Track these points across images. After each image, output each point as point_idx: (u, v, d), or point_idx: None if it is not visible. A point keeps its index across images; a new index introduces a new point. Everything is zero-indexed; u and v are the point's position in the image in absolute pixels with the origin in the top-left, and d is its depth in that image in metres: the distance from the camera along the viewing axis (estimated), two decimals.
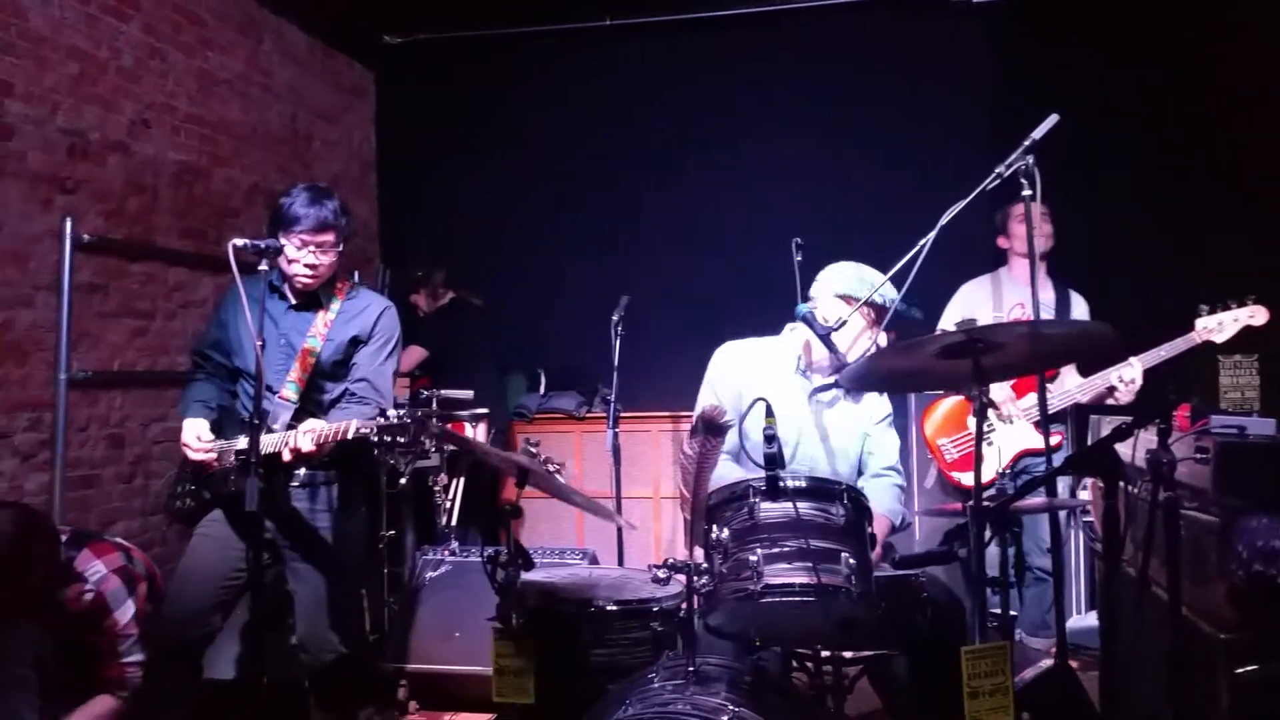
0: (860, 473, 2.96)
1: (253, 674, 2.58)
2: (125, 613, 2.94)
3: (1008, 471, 3.77)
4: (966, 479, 3.86)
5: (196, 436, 2.90)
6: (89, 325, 3.99)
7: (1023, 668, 2.69)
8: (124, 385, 4.17)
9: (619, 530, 4.21)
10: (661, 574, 2.30)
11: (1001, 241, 4.12)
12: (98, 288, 4.04)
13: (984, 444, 3.78)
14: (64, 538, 2.95)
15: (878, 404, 2.98)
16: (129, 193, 4.19)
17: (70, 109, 3.88)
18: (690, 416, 5.31)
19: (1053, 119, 2.58)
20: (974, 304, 4.03)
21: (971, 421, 3.79)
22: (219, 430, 2.96)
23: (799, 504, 2.16)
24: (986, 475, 3.75)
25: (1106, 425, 3.01)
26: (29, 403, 3.71)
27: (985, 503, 2.06)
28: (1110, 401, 3.70)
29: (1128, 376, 3.57)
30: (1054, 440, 3.77)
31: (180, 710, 2.95)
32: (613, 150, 5.71)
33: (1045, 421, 2.77)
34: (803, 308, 2.83)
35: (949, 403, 4.00)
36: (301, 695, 3.10)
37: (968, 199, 2.72)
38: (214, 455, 2.90)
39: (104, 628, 2.91)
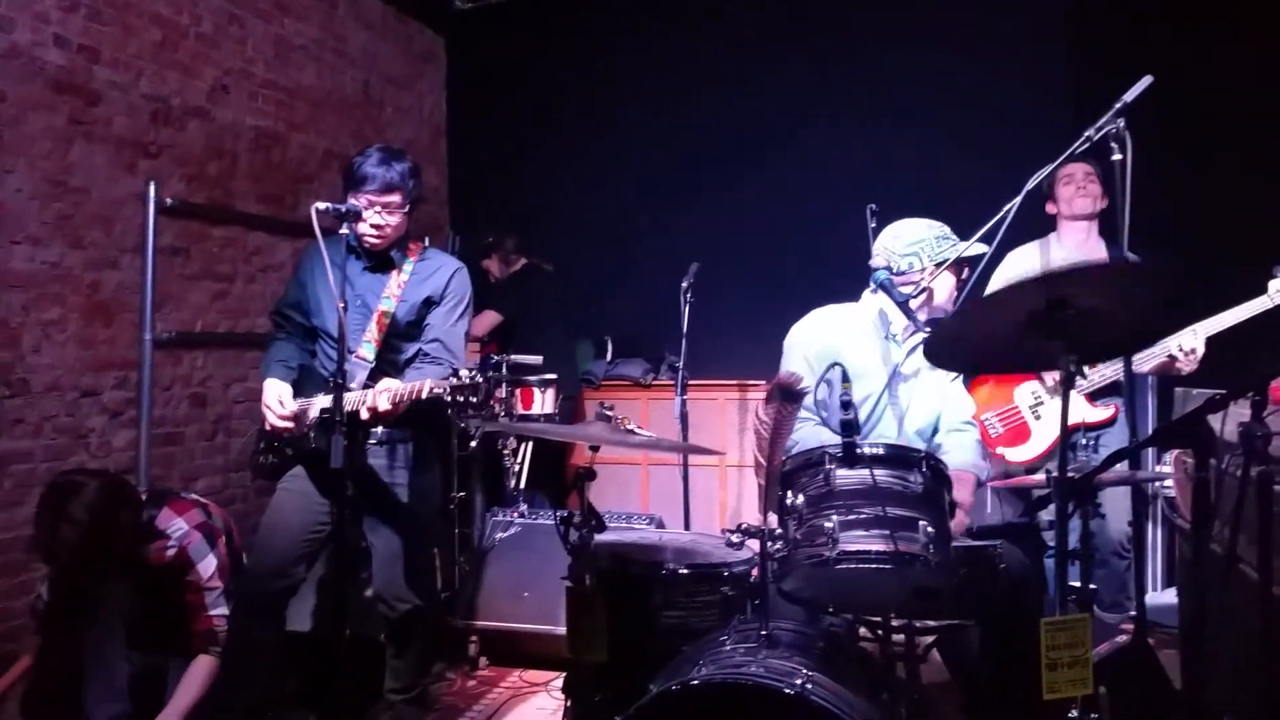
0: (935, 430, 2.94)
1: (336, 627, 2.65)
2: (208, 566, 3.05)
3: (1088, 442, 3.68)
4: (1011, 454, 3.77)
5: (279, 400, 2.95)
6: (172, 287, 4.09)
7: (1097, 643, 2.65)
8: (206, 346, 4.29)
9: (685, 496, 4.23)
10: (735, 539, 2.30)
11: (1050, 208, 3.99)
12: (180, 251, 4.14)
13: (1033, 417, 3.76)
14: (143, 497, 3.06)
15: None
16: (209, 158, 4.28)
17: (153, 75, 3.96)
18: (759, 385, 5.30)
19: (1146, 81, 2.50)
20: (1021, 270, 3.93)
21: (1018, 394, 3.81)
22: (298, 389, 3.02)
23: (876, 471, 2.14)
24: (1038, 450, 3.71)
25: (1195, 398, 2.93)
26: (116, 362, 3.83)
27: (1070, 474, 2.02)
28: (1172, 374, 3.57)
29: (1188, 346, 3.39)
30: (1106, 414, 3.68)
31: (265, 660, 3.05)
32: (684, 115, 5.66)
33: (1130, 394, 2.70)
34: (881, 274, 2.80)
35: (994, 379, 3.92)
36: (378, 647, 3.19)
37: (1055, 163, 2.66)
38: (292, 424, 2.95)
39: (189, 583, 3.02)
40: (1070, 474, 2.01)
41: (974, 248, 2.76)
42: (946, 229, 2.87)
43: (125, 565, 2.95)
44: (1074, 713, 2.11)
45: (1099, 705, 2.28)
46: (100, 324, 3.76)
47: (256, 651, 3.00)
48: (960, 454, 2.80)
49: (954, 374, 2.94)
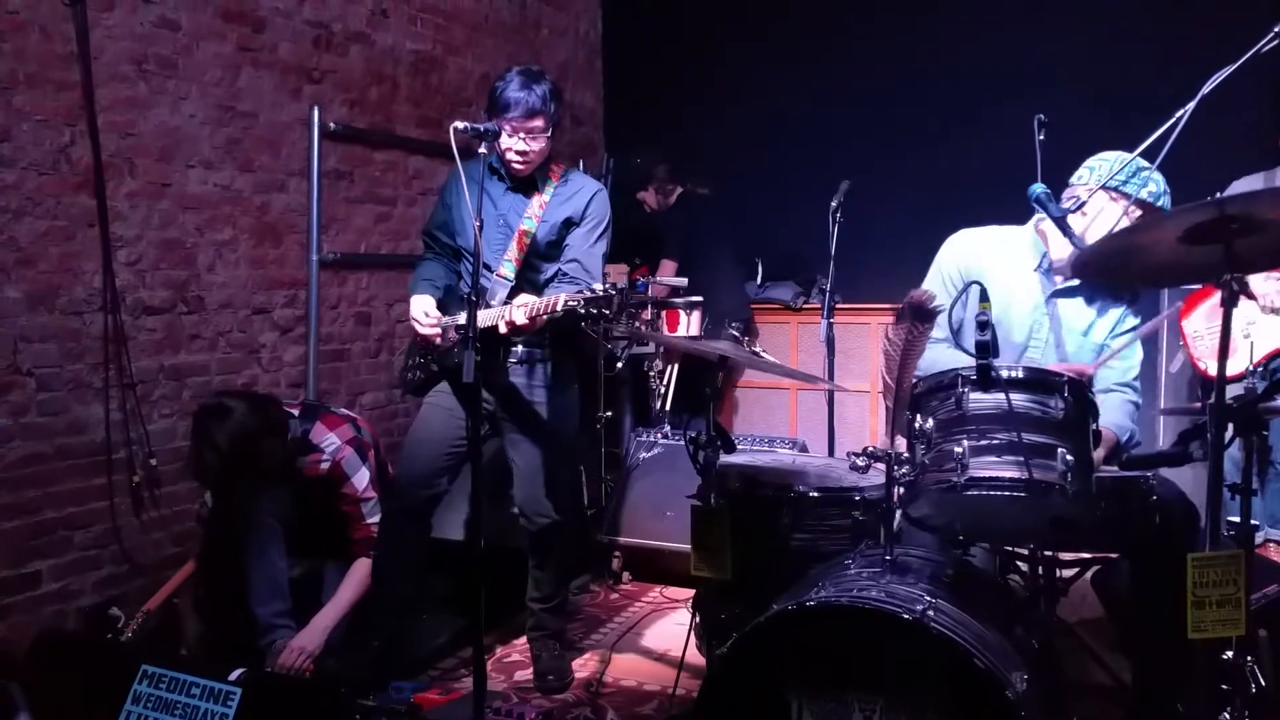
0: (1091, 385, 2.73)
1: (472, 536, 2.77)
2: (362, 479, 3.22)
3: (1258, 369, 3.43)
4: (1214, 368, 3.61)
5: (424, 313, 3.07)
6: (336, 210, 4.28)
7: (1266, 583, 2.46)
8: (369, 267, 4.47)
9: (830, 421, 4.15)
10: (860, 462, 2.24)
11: (1278, 141, 3.70)
12: (343, 174, 4.31)
13: (1241, 336, 3.54)
14: (295, 412, 3.24)
15: (1126, 317, 2.70)
16: (370, 82, 4.41)
17: (315, 1, 4.10)
18: None
19: None
20: None
21: (1233, 314, 3.58)
22: (444, 307, 3.12)
23: (1013, 395, 2.03)
24: (1234, 369, 3.47)
25: None
26: (285, 281, 4.05)
27: (1229, 402, 1.85)
28: None
29: None
30: None
31: (412, 564, 3.22)
32: (838, 28, 5.42)
33: None
34: (1036, 187, 2.60)
35: (1213, 294, 3.73)
36: (522, 557, 3.31)
37: (1238, 63, 2.39)
38: (439, 330, 3.06)
39: (345, 495, 3.20)
40: (1230, 403, 1.85)
41: (1153, 189, 2.52)
42: (1151, 169, 2.56)
43: (280, 476, 3.14)
44: (1229, 654, 1.98)
45: (1259, 649, 2.12)
46: (270, 244, 3.98)
47: (404, 556, 3.17)
48: (1106, 413, 2.59)
49: (1127, 328, 2.69)
